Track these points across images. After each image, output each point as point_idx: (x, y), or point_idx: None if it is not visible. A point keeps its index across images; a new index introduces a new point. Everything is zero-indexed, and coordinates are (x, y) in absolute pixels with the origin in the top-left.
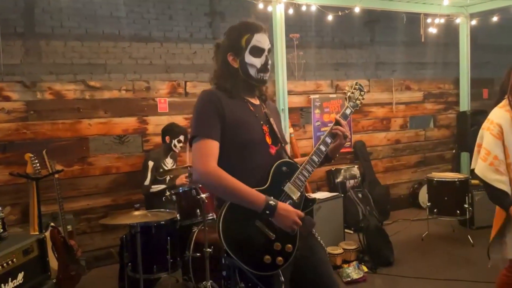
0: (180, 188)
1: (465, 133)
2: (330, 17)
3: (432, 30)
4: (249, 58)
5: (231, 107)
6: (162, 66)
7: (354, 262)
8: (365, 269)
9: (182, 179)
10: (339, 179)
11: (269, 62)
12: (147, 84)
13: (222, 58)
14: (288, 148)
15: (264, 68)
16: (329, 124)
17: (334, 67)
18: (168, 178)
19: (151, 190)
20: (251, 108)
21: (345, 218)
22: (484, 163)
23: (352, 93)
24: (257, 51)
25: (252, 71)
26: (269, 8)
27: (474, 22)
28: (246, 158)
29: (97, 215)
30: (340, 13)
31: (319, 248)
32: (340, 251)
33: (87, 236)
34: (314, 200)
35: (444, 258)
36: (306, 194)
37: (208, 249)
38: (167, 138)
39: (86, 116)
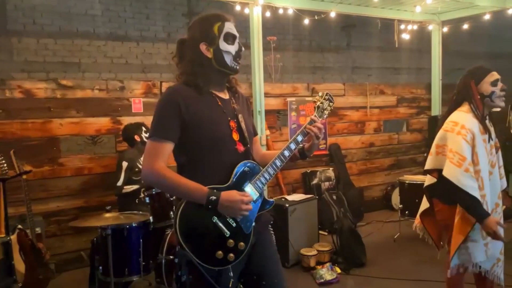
0: (153, 190)
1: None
2: (306, 21)
3: (406, 36)
4: (224, 45)
5: (197, 103)
6: (138, 66)
7: (328, 264)
8: (338, 270)
9: None
10: (314, 181)
11: (242, 50)
12: (121, 84)
13: (192, 51)
14: (259, 140)
15: (238, 55)
16: None
17: (311, 71)
18: None
19: (124, 190)
20: (219, 103)
21: (320, 220)
22: (459, 168)
23: (322, 103)
24: (231, 38)
25: (228, 59)
26: (246, 10)
27: (445, 29)
28: (211, 155)
29: (68, 217)
30: (316, 17)
31: (270, 245)
32: (314, 252)
33: (57, 239)
34: (272, 202)
35: (414, 259)
36: (265, 197)
37: None
38: (137, 137)
39: (57, 115)
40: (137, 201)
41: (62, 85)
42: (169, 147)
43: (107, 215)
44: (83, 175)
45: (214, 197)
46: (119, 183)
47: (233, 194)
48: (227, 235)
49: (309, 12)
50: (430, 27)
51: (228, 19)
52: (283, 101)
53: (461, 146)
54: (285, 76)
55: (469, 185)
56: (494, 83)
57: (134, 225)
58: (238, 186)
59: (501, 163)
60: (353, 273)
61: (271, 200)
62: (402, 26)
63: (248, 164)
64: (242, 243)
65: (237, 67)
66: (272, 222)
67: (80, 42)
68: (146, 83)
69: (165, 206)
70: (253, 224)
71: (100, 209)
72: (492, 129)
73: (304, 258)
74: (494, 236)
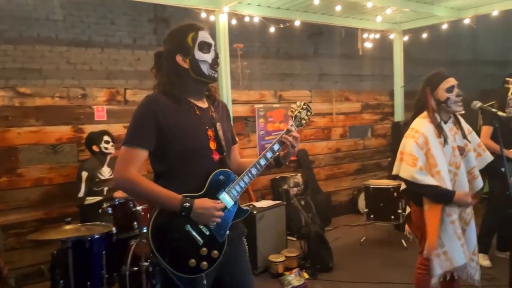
0: (116, 200)
1: (399, 142)
2: (272, 29)
3: (369, 45)
4: (199, 55)
5: (174, 112)
6: (103, 73)
7: (296, 269)
8: (306, 275)
9: (120, 192)
10: (283, 187)
11: (219, 56)
12: (83, 91)
13: (169, 62)
14: (237, 148)
15: (215, 63)
16: (273, 133)
17: (279, 78)
18: (105, 189)
19: (86, 202)
20: (197, 112)
21: (289, 226)
22: (413, 168)
23: (299, 112)
24: (205, 46)
25: (205, 68)
26: (212, 18)
27: (406, 38)
28: (187, 163)
29: (27, 229)
30: (281, 26)
31: (243, 256)
32: (282, 258)
33: (16, 252)
34: (246, 210)
35: (380, 262)
36: (240, 205)
37: (145, 263)
38: (95, 147)
39: (15, 124)
40: (100, 212)
41: (21, 93)
42: (143, 154)
43: (68, 227)
44: (43, 186)
45: (187, 204)
46: (80, 194)
47: (206, 202)
48: (201, 244)
49: (274, 20)
50: (392, 36)
51: (201, 28)
52: (251, 108)
53: (412, 148)
54: (254, 83)
55: (426, 180)
56: (449, 90)
57: (96, 236)
58: (213, 194)
59: (474, 164)
60: (320, 278)
61: (246, 208)
62: (365, 35)
63: (223, 173)
64: (215, 252)
65: (215, 75)
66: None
67: (41, 48)
68: (110, 90)
69: (129, 217)
70: (227, 232)
71: (61, 221)
72: (459, 132)
73: (272, 265)
74: (468, 204)
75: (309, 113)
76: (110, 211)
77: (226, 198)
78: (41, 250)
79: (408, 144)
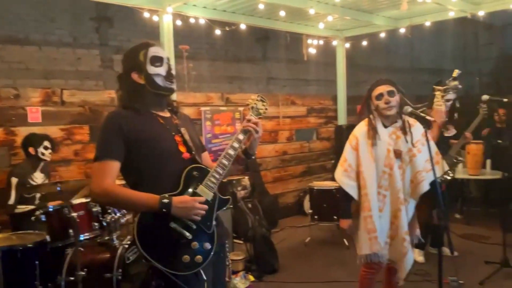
0: (50, 207)
1: (342, 145)
2: (218, 32)
3: (313, 50)
4: (152, 69)
5: (138, 123)
6: (40, 72)
7: (241, 272)
8: (252, 278)
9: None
10: (230, 191)
11: (172, 70)
12: (16, 91)
13: (126, 81)
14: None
15: (169, 75)
16: (220, 136)
17: (228, 80)
18: (37, 195)
19: (17, 210)
20: (161, 121)
21: (236, 229)
22: (341, 168)
23: (255, 103)
24: (157, 60)
25: (159, 80)
26: (155, 18)
27: (347, 45)
28: (159, 168)
29: None
30: (227, 28)
31: (223, 263)
32: (228, 262)
33: None
34: (228, 199)
35: (324, 261)
36: (220, 195)
37: (82, 272)
38: (31, 150)
39: None
40: (33, 219)
41: None
42: (115, 165)
43: None
44: None
45: (166, 200)
46: (11, 201)
47: (184, 196)
48: (190, 238)
49: (221, 23)
50: (335, 43)
51: (152, 44)
52: (197, 110)
53: (346, 150)
54: (202, 85)
55: (345, 182)
56: (378, 97)
57: (28, 245)
58: (190, 189)
59: (420, 168)
60: (266, 280)
61: (227, 198)
62: (310, 41)
63: (196, 168)
64: (207, 244)
65: (172, 86)
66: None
67: None
68: (45, 91)
69: (64, 224)
70: (214, 223)
71: None
72: (402, 137)
73: None
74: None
75: (265, 103)
76: (43, 219)
77: (205, 191)
78: None
79: (345, 146)
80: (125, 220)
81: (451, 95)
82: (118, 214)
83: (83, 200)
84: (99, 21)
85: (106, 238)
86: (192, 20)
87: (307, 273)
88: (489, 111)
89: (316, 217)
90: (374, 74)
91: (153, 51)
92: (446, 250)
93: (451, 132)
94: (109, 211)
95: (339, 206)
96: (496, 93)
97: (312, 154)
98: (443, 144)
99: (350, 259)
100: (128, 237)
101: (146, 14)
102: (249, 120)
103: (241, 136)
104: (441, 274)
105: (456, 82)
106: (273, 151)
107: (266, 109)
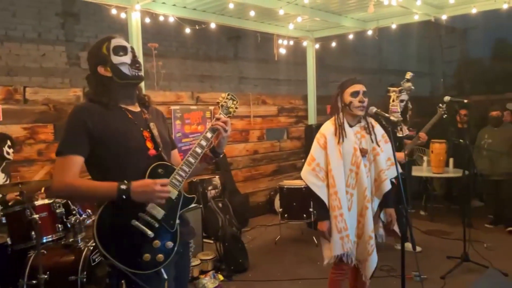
0: (16, 207)
1: (311, 144)
2: (188, 30)
3: (283, 51)
4: (116, 59)
5: (106, 118)
6: (2, 69)
7: (211, 272)
8: (221, 277)
9: (12, 195)
10: (200, 190)
11: (138, 57)
12: None
13: (93, 76)
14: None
15: (135, 61)
16: (190, 136)
17: (199, 79)
18: None
19: None
20: (130, 115)
21: (206, 229)
22: (308, 167)
23: (225, 102)
24: (120, 50)
25: (125, 69)
26: (123, 15)
27: (317, 46)
28: (124, 165)
29: None
30: (197, 27)
31: (187, 265)
32: (197, 262)
33: None
34: (193, 198)
35: (293, 259)
36: (185, 193)
37: (44, 276)
38: None
39: None
40: None
41: None
42: (78, 160)
43: None
44: None
45: (124, 186)
46: None
47: (144, 180)
48: (152, 236)
49: (191, 21)
50: (305, 43)
51: (113, 36)
52: (166, 109)
53: (314, 149)
54: (172, 84)
55: (312, 182)
56: (353, 94)
57: None
58: None
59: (382, 167)
60: (235, 279)
61: (192, 196)
62: (280, 41)
63: (161, 166)
64: (169, 243)
65: (139, 73)
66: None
67: None
68: (6, 88)
69: (26, 226)
70: (177, 221)
71: None
72: (367, 137)
73: None
74: (324, 236)
75: (235, 102)
76: (4, 221)
77: (170, 189)
78: None
79: (313, 145)
80: (91, 221)
81: (405, 96)
82: (83, 215)
83: (46, 201)
84: (64, 16)
85: (71, 240)
86: (161, 18)
87: (277, 271)
88: (452, 112)
89: (286, 215)
90: (344, 74)
91: (115, 41)
92: (409, 246)
93: (404, 132)
94: (74, 212)
95: (314, 209)
96: (459, 94)
97: (283, 153)
98: (396, 144)
99: (319, 257)
100: None
101: (114, 11)
102: (218, 119)
103: (209, 135)
104: (404, 269)
105: (409, 84)
106: (244, 150)
107: (236, 108)
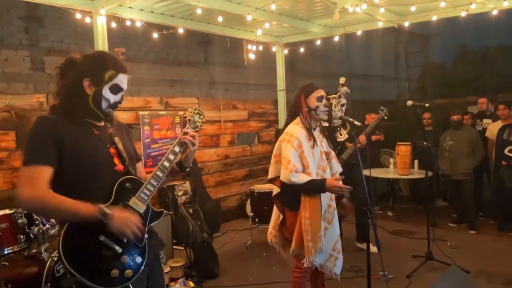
0: None
1: None
2: (156, 35)
3: (252, 56)
4: (106, 93)
5: (72, 134)
6: None
7: (181, 279)
8: (192, 284)
9: None
10: (170, 196)
11: (123, 101)
12: None
13: (73, 79)
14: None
15: (115, 105)
16: (159, 141)
17: (169, 84)
18: None
19: None
20: (96, 131)
21: (177, 235)
22: (286, 170)
23: (192, 116)
24: (116, 90)
25: (104, 105)
26: (88, 20)
27: (286, 51)
28: (91, 181)
29: None
30: (165, 32)
31: (159, 276)
32: (167, 269)
33: None
34: (161, 212)
35: (264, 263)
36: (153, 208)
37: None
38: None
39: None
40: None
41: None
42: (48, 171)
43: None
44: None
45: (107, 210)
46: None
47: (122, 209)
48: (120, 252)
49: (158, 26)
50: (274, 49)
51: (124, 71)
52: (135, 115)
53: (289, 152)
54: (142, 89)
55: (300, 179)
56: (319, 99)
57: None
58: (122, 202)
59: (336, 170)
60: (206, 285)
61: (160, 210)
62: (250, 46)
63: (129, 180)
64: (137, 257)
65: (111, 113)
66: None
67: None
68: None
69: None
70: (146, 236)
71: None
72: (324, 140)
73: None
74: (341, 189)
75: (202, 117)
76: None
77: (137, 203)
78: None
79: (284, 147)
80: (54, 232)
81: (343, 100)
82: (46, 225)
83: (7, 211)
84: (28, 20)
85: (34, 251)
86: (128, 23)
87: (247, 276)
88: (417, 116)
89: (257, 219)
90: (313, 79)
91: (120, 79)
92: (373, 248)
93: (344, 137)
94: (37, 222)
95: (313, 190)
96: (423, 98)
97: (254, 157)
98: (335, 148)
99: (290, 260)
100: None
101: (78, 15)
102: (186, 133)
103: (177, 149)
104: (370, 269)
105: (345, 88)
106: (215, 155)
107: (203, 122)
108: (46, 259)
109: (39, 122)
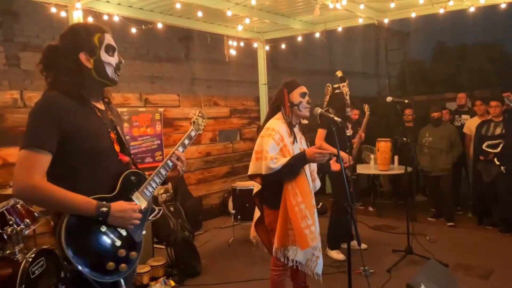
0: None
1: None
2: (134, 30)
3: (233, 52)
4: (105, 57)
5: (76, 114)
6: None
7: (162, 278)
8: (173, 283)
9: None
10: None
11: (122, 62)
12: None
13: (70, 59)
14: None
15: (118, 67)
16: (139, 139)
17: (149, 80)
18: None
19: None
20: (98, 114)
21: (157, 233)
22: (265, 161)
23: (196, 119)
24: (111, 49)
25: (109, 70)
26: (63, 14)
27: (267, 48)
28: (93, 166)
29: None
30: (144, 27)
31: (132, 273)
32: (147, 269)
33: None
34: (159, 210)
35: (246, 261)
36: (153, 205)
37: None
38: None
39: None
40: None
41: None
42: (46, 159)
43: None
44: None
45: (105, 209)
46: None
47: (123, 204)
48: (118, 245)
49: (137, 21)
50: (255, 45)
51: (107, 30)
52: None
53: (269, 145)
54: (121, 86)
55: (279, 162)
56: (302, 95)
57: None
58: (125, 195)
59: (314, 167)
60: (187, 284)
61: (159, 208)
62: (231, 42)
63: (135, 173)
64: (133, 253)
65: (117, 79)
66: None
67: None
68: None
69: None
70: (144, 232)
71: None
72: (303, 138)
73: (137, 276)
74: (322, 155)
75: (204, 120)
76: None
77: (140, 199)
78: None
79: (265, 142)
80: (29, 232)
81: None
82: (21, 225)
83: None
84: (2, 15)
85: (8, 252)
86: (105, 17)
87: (229, 274)
88: (397, 112)
89: (239, 217)
90: (295, 75)
91: (108, 38)
92: (354, 243)
93: (349, 132)
94: (11, 222)
95: (297, 166)
96: (403, 95)
97: (236, 154)
98: (346, 144)
99: (269, 257)
100: (34, 249)
101: (53, 9)
102: (178, 157)
103: (186, 141)
104: (350, 265)
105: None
106: (196, 152)
107: (204, 125)
108: (20, 260)
109: (46, 103)
